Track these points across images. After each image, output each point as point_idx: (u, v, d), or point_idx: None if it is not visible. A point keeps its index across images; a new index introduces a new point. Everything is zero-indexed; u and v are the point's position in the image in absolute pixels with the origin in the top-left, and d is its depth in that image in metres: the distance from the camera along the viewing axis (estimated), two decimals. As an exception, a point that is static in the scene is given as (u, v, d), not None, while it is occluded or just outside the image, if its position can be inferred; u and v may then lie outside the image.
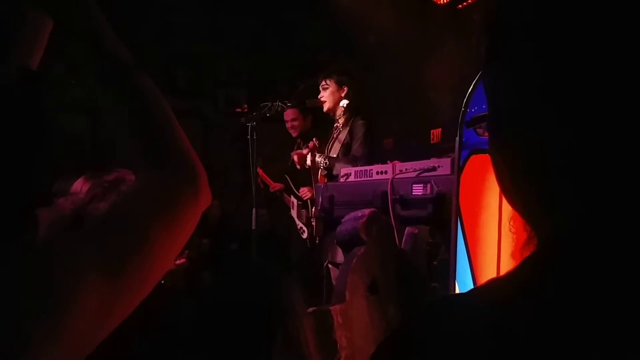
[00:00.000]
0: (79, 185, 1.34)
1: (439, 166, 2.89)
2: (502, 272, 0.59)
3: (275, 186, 4.84)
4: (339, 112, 4.22)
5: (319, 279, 3.79)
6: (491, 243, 2.07)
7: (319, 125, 4.70)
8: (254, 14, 6.38)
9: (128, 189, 0.82)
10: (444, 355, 0.51)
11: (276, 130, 4.84)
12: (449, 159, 2.84)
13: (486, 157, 0.59)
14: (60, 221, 1.20)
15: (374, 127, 4.31)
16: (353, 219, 2.74)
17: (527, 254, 0.55)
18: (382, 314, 2.58)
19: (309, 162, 4.08)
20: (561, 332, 0.46)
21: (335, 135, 4.23)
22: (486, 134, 0.60)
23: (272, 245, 4.85)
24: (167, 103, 0.84)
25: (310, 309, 2.22)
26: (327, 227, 3.52)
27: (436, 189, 2.80)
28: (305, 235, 4.50)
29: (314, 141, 3.96)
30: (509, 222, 0.60)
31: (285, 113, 4.64)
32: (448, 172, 2.81)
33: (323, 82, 4.30)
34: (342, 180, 3.54)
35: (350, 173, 3.47)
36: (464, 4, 5.01)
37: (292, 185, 4.66)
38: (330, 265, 3.57)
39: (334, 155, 4.13)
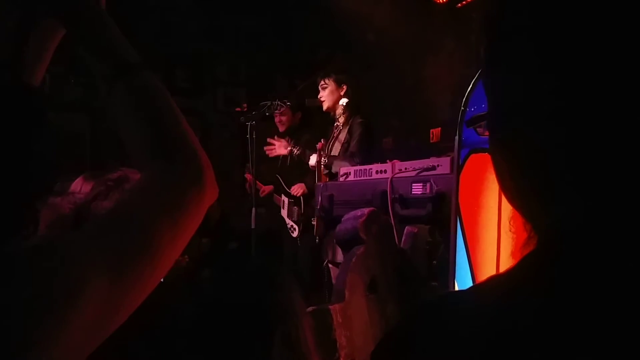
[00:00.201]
0: (78, 185, 1.33)
1: (438, 165, 2.89)
2: (502, 270, 0.59)
3: (265, 189, 4.81)
4: (339, 111, 4.23)
5: (317, 278, 3.79)
6: (490, 242, 2.07)
7: (311, 123, 4.69)
8: (253, 14, 6.37)
9: (133, 185, 0.82)
10: (443, 352, 0.51)
11: (275, 129, 4.84)
12: (448, 158, 2.84)
13: (485, 156, 0.59)
14: (61, 221, 1.20)
15: (373, 125, 4.31)
16: (352, 218, 2.74)
17: (526, 253, 0.55)
18: (381, 313, 2.59)
19: (313, 162, 4.08)
20: (561, 330, 0.46)
21: (335, 135, 4.24)
22: (486, 133, 0.60)
23: (271, 244, 4.84)
24: (172, 99, 0.84)
25: (310, 308, 2.22)
26: (326, 227, 3.52)
27: (435, 188, 2.80)
28: (295, 234, 4.49)
29: (322, 142, 3.96)
30: (509, 222, 0.60)
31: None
32: (447, 171, 2.81)
33: (322, 82, 4.31)
34: (341, 179, 3.54)
35: (350, 172, 3.47)
36: (463, 2, 5.01)
37: (283, 185, 4.65)
38: (330, 265, 3.57)
39: (335, 155, 4.13)
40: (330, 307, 2.37)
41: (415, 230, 2.88)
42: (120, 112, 0.82)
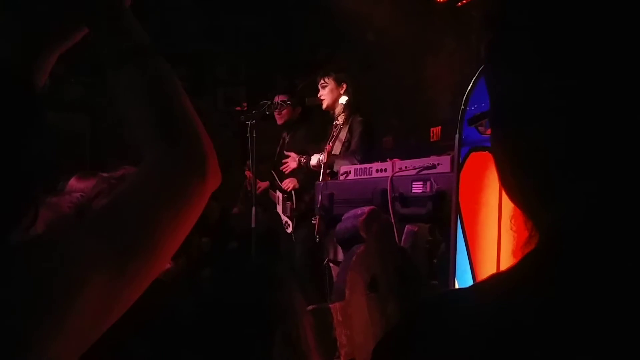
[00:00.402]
0: (73, 185, 1.33)
1: (438, 164, 2.89)
2: (502, 269, 0.59)
3: (261, 185, 4.82)
4: (338, 109, 4.23)
5: (314, 274, 3.79)
6: (491, 240, 2.07)
7: (309, 118, 4.68)
8: (253, 13, 6.37)
9: (134, 173, 0.81)
10: (444, 350, 0.51)
11: (275, 128, 4.84)
12: (448, 157, 2.84)
13: (486, 155, 0.59)
14: (61, 220, 1.20)
15: (373, 123, 4.32)
16: (353, 216, 2.74)
17: (528, 251, 0.55)
18: (381, 312, 2.58)
19: (314, 162, 4.09)
20: (561, 329, 0.46)
21: (335, 134, 4.24)
22: (488, 131, 0.61)
23: (271, 243, 4.84)
24: (179, 84, 0.84)
25: (310, 307, 2.22)
26: (327, 225, 3.52)
27: (436, 186, 2.80)
28: (289, 230, 4.49)
29: (330, 146, 3.95)
30: (510, 220, 0.60)
31: (275, 98, 4.60)
32: (447, 169, 2.81)
33: (322, 81, 4.31)
34: (341, 178, 3.54)
35: (350, 171, 3.47)
36: (464, 1, 5.00)
37: (277, 181, 4.66)
38: (331, 264, 3.57)
39: (336, 154, 4.13)
40: (330, 305, 2.37)
41: (416, 229, 2.88)
42: (128, 92, 0.82)
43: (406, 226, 2.93)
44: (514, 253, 0.58)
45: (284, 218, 4.56)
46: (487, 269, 2.10)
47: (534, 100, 0.53)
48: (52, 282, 0.61)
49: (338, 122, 4.24)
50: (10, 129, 0.68)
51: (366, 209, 2.77)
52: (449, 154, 2.86)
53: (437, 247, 2.83)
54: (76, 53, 0.89)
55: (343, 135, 4.18)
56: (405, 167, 3.05)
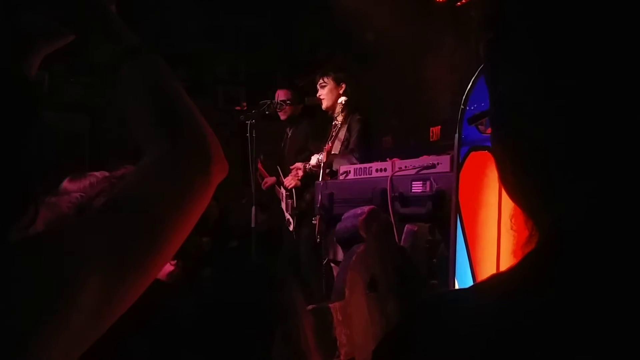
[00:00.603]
0: (67, 187, 1.33)
1: (438, 163, 2.89)
2: (502, 268, 0.59)
3: (268, 181, 4.83)
4: (337, 109, 4.23)
5: (317, 274, 3.79)
6: (491, 240, 2.07)
7: (312, 115, 4.67)
8: (253, 13, 6.37)
9: (136, 168, 0.80)
10: (444, 351, 0.51)
11: (275, 127, 4.84)
12: (448, 156, 2.84)
13: (485, 154, 0.59)
14: (61, 220, 1.20)
15: (371, 122, 4.32)
16: (352, 216, 2.73)
17: (528, 251, 0.55)
18: (381, 311, 2.58)
19: (314, 162, 4.09)
20: (561, 329, 0.46)
21: (334, 134, 4.24)
22: (488, 130, 0.61)
23: (271, 243, 4.83)
24: (178, 81, 0.84)
25: (310, 307, 2.22)
26: (327, 225, 3.52)
27: (435, 186, 2.80)
28: (291, 227, 4.49)
29: (329, 145, 3.95)
30: (510, 220, 0.60)
31: (277, 93, 4.61)
32: (447, 169, 2.81)
33: (321, 80, 4.32)
34: (341, 177, 3.54)
35: (350, 171, 3.47)
36: (463, 1, 5.00)
37: (282, 177, 4.66)
38: (331, 264, 3.57)
39: (335, 153, 4.13)
40: (330, 305, 2.37)
41: (415, 229, 2.88)
42: (127, 91, 0.81)
43: (406, 226, 2.93)
44: (514, 252, 0.58)
45: (287, 215, 4.56)
46: (487, 269, 2.10)
47: (534, 100, 0.53)
48: (53, 281, 0.61)
49: (337, 122, 4.25)
50: (10, 129, 0.68)
51: (366, 208, 2.77)
52: (448, 154, 2.86)
53: (437, 246, 2.83)
54: (75, 53, 0.89)
55: (342, 134, 4.19)
56: (405, 166, 3.05)
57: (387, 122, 5.64)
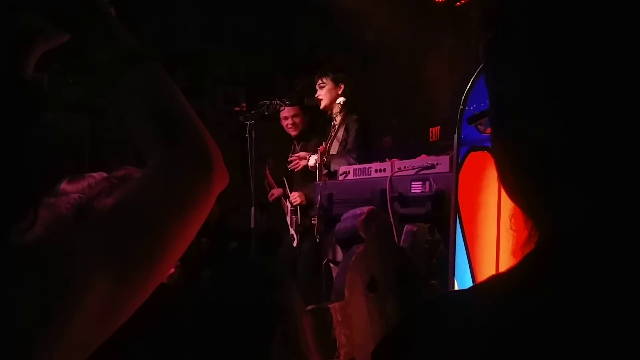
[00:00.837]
0: (65, 188, 1.32)
1: (437, 164, 2.89)
2: (501, 268, 0.59)
3: (275, 193, 4.79)
4: (336, 109, 4.23)
5: (317, 279, 3.78)
6: (490, 240, 2.07)
7: (316, 122, 4.66)
8: (252, 13, 6.37)
9: (138, 176, 0.80)
10: (443, 352, 0.51)
11: (274, 128, 4.84)
12: (447, 157, 2.84)
13: (485, 154, 0.59)
14: (60, 221, 1.20)
15: (369, 122, 4.31)
16: (352, 216, 2.73)
17: (528, 251, 0.55)
18: (381, 312, 2.58)
19: (312, 162, 4.08)
20: (560, 330, 0.46)
21: (333, 134, 4.24)
22: (488, 130, 0.61)
23: (271, 244, 4.83)
24: (175, 86, 0.83)
25: (309, 307, 2.22)
26: (326, 226, 3.52)
27: (435, 186, 2.80)
28: (295, 243, 4.44)
29: (323, 146, 3.94)
30: (510, 220, 0.60)
31: (285, 110, 4.53)
32: (446, 169, 2.81)
33: (320, 81, 4.31)
34: (340, 178, 3.54)
35: (349, 171, 3.47)
36: (462, 1, 5.01)
37: (287, 190, 4.63)
38: (331, 264, 3.56)
39: (334, 153, 4.13)
40: (330, 305, 2.37)
41: (415, 229, 2.88)
42: (127, 99, 0.81)
43: (405, 226, 2.93)
44: (514, 253, 0.58)
45: (291, 231, 4.51)
46: (487, 269, 2.10)
47: (534, 100, 0.53)
48: (55, 285, 0.61)
49: (335, 122, 4.25)
50: (10, 130, 0.68)
51: (365, 209, 2.77)
52: (448, 154, 2.86)
53: (436, 246, 2.83)
54: (75, 54, 0.89)
55: (340, 134, 4.18)
56: (404, 167, 3.05)
57: (386, 122, 5.65)
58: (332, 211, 3.39)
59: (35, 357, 0.57)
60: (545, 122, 0.52)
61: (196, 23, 6.32)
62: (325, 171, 3.78)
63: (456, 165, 2.24)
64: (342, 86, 4.26)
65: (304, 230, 4.38)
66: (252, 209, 3.99)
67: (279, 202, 4.78)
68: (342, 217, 2.86)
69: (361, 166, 3.41)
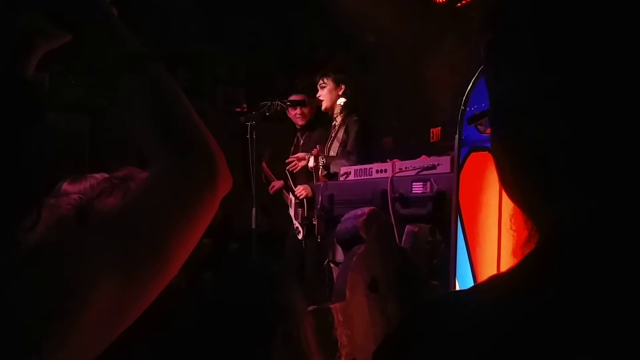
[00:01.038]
0: (67, 189, 1.32)
1: (438, 164, 2.89)
2: (503, 269, 0.59)
3: (275, 185, 4.79)
4: (337, 110, 4.23)
5: (319, 278, 3.77)
6: (491, 240, 2.07)
7: (322, 114, 4.63)
8: (253, 13, 6.37)
9: (144, 180, 0.80)
10: (444, 352, 0.51)
11: (275, 129, 4.84)
12: (448, 157, 2.84)
13: (486, 155, 0.59)
14: (61, 222, 1.20)
15: (369, 123, 4.31)
16: (353, 217, 2.73)
17: (528, 251, 0.55)
18: (382, 312, 2.58)
19: (311, 164, 4.08)
20: (560, 329, 0.46)
21: (333, 134, 4.24)
22: (488, 130, 0.61)
23: (272, 244, 4.82)
24: (180, 89, 0.83)
25: (311, 307, 2.22)
26: (327, 226, 3.51)
27: (436, 187, 2.80)
28: (300, 236, 4.44)
29: (318, 148, 3.94)
30: (510, 220, 0.60)
31: (294, 97, 4.53)
32: (447, 170, 2.81)
33: (320, 81, 4.31)
34: (341, 179, 3.54)
35: (350, 172, 3.46)
36: (463, 2, 5.01)
37: (291, 183, 4.63)
38: (331, 265, 3.56)
39: (333, 154, 4.13)
40: (331, 306, 2.37)
41: (416, 229, 2.88)
42: (129, 101, 0.80)
43: (406, 226, 2.92)
44: (514, 252, 0.58)
45: (296, 223, 4.51)
46: (488, 269, 2.10)
47: (534, 100, 0.53)
48: (61, 287, 0.60)
49: (336, 123, 4.25)
50: (11, 129, 0.68)
51: (366, 209, 2.76)
52: (449, 155, 2.86)
53: (438, 247, 2.82)
54: (77, 55, 0.89)
55: (340, 135, 4.19)
56: (405, 167, 3.05)
57: (387, 123, 5.65)
58: (333, 212, 3.39)
59: (42, 355, 0.57)
60: (545, 122, 0.52)
61: (196, 23, 6.31)
62: (324, 172, 3.78)
63: (457, 166, 2.24)
64: (343, 87, 4.26)
65: (310, 223, 4.38)
66: (253, 209, 3.99)
67: (280, 203, 4.77)
68: (343, 218, 2.85)
69: (362, 167, 3.41)
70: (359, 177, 3.39)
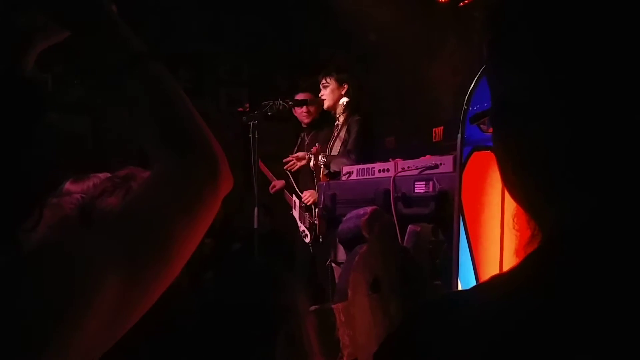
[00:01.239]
0: (69, 188, 1.33)
1: (441, 164, 2.89)
2: (505, 269, 0.59)
3: (276, 184, 4.78)
4: (339, 110, 4.23)
5: (324, 280, 3.77)
6: (493, 240, 2.06)
7: (329, 116, 4.62)
8: (255, 13, 6.37)
9: (146, 180, 0.80)
10: (445, 352, 0.51)
11: (278, 129, 4.84)
12: (450, 157, 2.84)
13: (488, 154, 0.59)
14: (64, 221, 1.20)
15: (371, 123, 4.30)
16: (355, 216, 2.73)
17: (530, 251, 0.55)
18: (384, 312, 2.58)
19: (312, 163, 4.07)
20: (560, 330, 0.46)
21: (336, 134, 4.25)
22: (490, 129, 0.61)
23: (274, 244, 4.82)
24: (181, 90, 0.83)
25: (313, 307, 2.22)
26: (329, 226, 3.51)
27: (438, 186, 2.80)
28: (308, 240, 4.43)
29: (317, 146, 3.94)
30: (512, 220, 0.60)
31: (300, 95, 4.52)
32: (450, 169, 2.80)
33: (323, 80, 4.32)
34: (344, 178, 3.54)
35: (352, 171, 3.46)
36: (465, 1, 5.01)
37: (293, 184, 4.61)
38: (333, 265, 3.56)
39: (335, 154, 4.13)
40: (333, 306, 2.37)
41: (418, 229, 2.88)
42: (131, 101, 0.81)
43: (409, 226, 2.92)
44: (517, 252, 0.58)
45: (302, 227, 4.49)
46: (490, 269, 2.09)
47: (535, 100, 0.53)
48: (65, 288, 0.60)
49: (339, 122, 4.25)
50: (13, 130, 0.68)
51: (368, 209, 2.76)
52: (451, 154, 2.86)
53: (440, 247, 2.82)
54: (79, 54, 0.89)
55: (342, 134, 4.19)
56: (408, 167, 3.05)
57: (389, 122, 5.64)
58: (335, 211, 3.39)
59: (47, 359, 0.57)
60: (546, 122, 0.52)
61: (198, 23, 6.32)
62: (325, 171, 3.77)
63: (459, 166, 2.24)
64: (346, 86, 4.26)
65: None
66: (255, 209, 3.99)
67: (282, 203, 4.77)
68: (345, 218, 2.85)
69: (365, 166, 3.41)
70: (361, 177, 3.39)
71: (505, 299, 0.50)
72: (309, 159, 4.23)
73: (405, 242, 2.89)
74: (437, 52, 4.99)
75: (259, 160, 4.48)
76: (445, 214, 2.65)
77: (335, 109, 4.29)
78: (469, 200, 2.20)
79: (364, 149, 4.04)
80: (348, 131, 4.16)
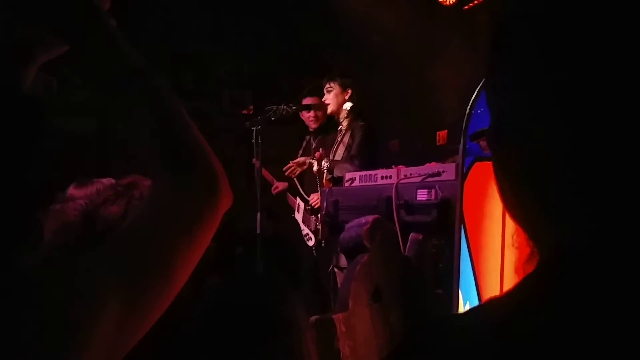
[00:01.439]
0: (72, 193, 1.33)
1: (443, 171, 2.88)
2: (505, 279, 0.59)
3: (278, 186, 4.77)
4: (343, 114, 4.23)
5: (327, 285, 3.77)
6: (494, 250, 2.06)
7: (336, 124, 4.61)
8: (258, 14, 6.37)
9: (147, 199, 0.80)
10: None
11: (281, 133, 4.84)
12: (453, 165, 2.83)
13: (490, 165, 0.59)
14: (67, 228, 1.20)
15: (375, 128, 4.30)
16: (356, 225, 2.72)
17: (529, 269, 0.55)
18: (385, 322, 2.57)
19: (315, 168, 4.07)
20: (559, 352, 0.46)
21: (339, 139, 4.24)
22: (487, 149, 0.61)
23: (277, 248, 4.82)
24: (182, 105, 0.83)
25: (313, 318, 2.21)
26: (332, 231, 3.51)
27: (441, 194, 2.79)
28: (311, 243, 4.42)
29: (320, 151, 3.93)
30: (512, 237, 0.60)
31: (307, 99, 4.51)
32: (452, 177, 2.80)
33: (327, 84, 4.32)
34: (346, 184, 3.53)
35: (355, 177, 3.46)
36: (470, 5, 5.00)
37: (298, 187, 4.61)
38: (336, 270, 3.56)
39: (339, 159, 4.13)
40: (333, 316, 2.36)
41: (420, 237, 2.88)
42: (130, 115, 0.80)
43: (410, 234, 2.92)
44: (516, 270, 0.58)
45: (305, 229, 4.47)
46: (491, 279, 2.09)
47: (534, 118, 0.53)
48: (68, 310, 0.60)
49: (342, 127, 4.25)
50: (14, 134, 0.68)
51: (370, 218, 2.75)
52: (454, 160, 2.85)
53: (442, 255, 2.82)
54: (81, 63, 0.88)
55: (346, 139, 4.19)
56: (410, 174, 3.05)
57: (393, 126, 5.64)
58: (337, 217, 3.39)
59: None
60: (547, 141, 0.52)
61: (200, 25, 6.32)
62: (329, 176, 3.77)
63: (461, 175, 2.24)
64: (350, 91, 4.26)
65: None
66: (258, 214, 4.00)
67: (285, 207, 4.77)
68: (346, 226, 2.84)
69: (367, 173, 3.41)
70: (364, 183, 3.38)
71: (504, 320, 0.50)
72: (310, 165, 4.23)
73: (406, 250, 2.89)
74: (442, 55, 4.99)
75: (258, 164, 4.48)
76: (447, 222, 2.64)
77: (338, 114, 4.29)
78: (470, 210, 2.19)
79: (367, 155, 4.03)
80: (352, 136, 4.15)
